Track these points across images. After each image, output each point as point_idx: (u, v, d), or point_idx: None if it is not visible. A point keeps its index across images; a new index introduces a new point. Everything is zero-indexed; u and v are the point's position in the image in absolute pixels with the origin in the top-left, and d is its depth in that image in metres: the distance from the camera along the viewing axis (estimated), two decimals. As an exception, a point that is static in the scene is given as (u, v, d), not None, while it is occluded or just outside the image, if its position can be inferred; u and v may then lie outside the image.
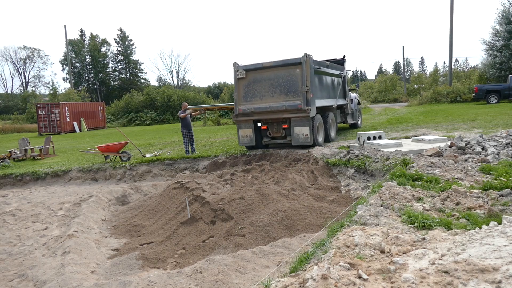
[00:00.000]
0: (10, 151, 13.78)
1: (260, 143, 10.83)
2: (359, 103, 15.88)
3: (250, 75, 10.51)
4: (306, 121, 9.80)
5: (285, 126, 10.23)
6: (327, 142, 10.99)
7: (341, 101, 13.08)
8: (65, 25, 45.16)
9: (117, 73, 67.92)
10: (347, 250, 2.96)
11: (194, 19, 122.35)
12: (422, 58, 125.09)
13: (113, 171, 10.65)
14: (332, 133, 11.54)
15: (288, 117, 9.99)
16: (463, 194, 4.34)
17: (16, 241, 6.40)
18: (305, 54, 9.84)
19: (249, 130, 10.59)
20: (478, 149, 6.72)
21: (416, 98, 35.01)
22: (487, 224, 3.02)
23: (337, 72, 12.79)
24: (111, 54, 67.31)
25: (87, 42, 66.85)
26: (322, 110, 11.31)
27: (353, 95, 15.09)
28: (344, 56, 14.07)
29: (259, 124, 10.67)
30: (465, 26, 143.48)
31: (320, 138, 10.57)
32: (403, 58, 66.19)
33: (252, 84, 10.50)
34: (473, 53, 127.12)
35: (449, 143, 7.73)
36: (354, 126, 15.06)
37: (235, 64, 10.69)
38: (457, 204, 4.10)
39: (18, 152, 14.07)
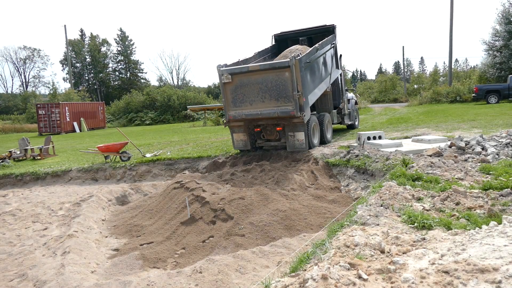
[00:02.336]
0: (10, 151, 13.77)
1: (254, 146, 10.57)
2: (356, 103, 15.69)
3: (237, 79, 9.73)
4: (300, 126, 9.46)
5: (279, 128, 9.90)
6: (323, 144, 10.76)
7: (335, 74, 12.52)
8: (65, 25, 45.22)
9: (117, 73, 67.97)
10: (347, 250, 2.96)
11: (194, 19, 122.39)
12: (422, 58, 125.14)
13: (113, 171, 10.65)
14: (328, 135, 11.23)
15: (282, 122, 9.65)
16: (463, 194, 4.34)
17: (16, 241, 6.41)
18: (293, 56, 9.09)
19: (243, 134, 10.24)
20: (478, 149, 6.72)
21: (416, 98, 35.02)
22: (487, 224, 3.03)
23: (328, 47, 11.98)
24: (111, 54, 67.40)
25: (87, 42, 66.89)
26: (316, 107, 10.79)
27: (350, 95, 14.87)
28: (333, 25, 13.05)
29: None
30: (465, 26, 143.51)
31: (316, 141, 10.29)
32: (403, 58, 66.24)
33: (240, 89, 9.76)
34: (473, 53, 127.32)
35: (449, 143, 7.73)
36: (351, 127, 14.87)
37: (219, 67, 9.87)
38: (457, 204, 4.10)
39: (18, 152, 14.07)
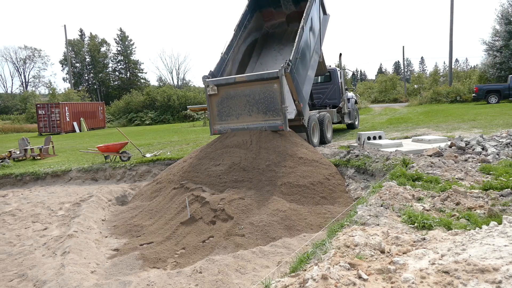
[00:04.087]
0: (10, 151, 13.77)
1: None
2: (356, 102, 15.67)
3: (223, 91, 9.23)
4: (301, 127, 9.48)
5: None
6: (323, 144, 10.73)
7: (324, 24, 11.68)
8: (65, 25, 45.26)
9: (117, 73, 67.97)
10: (347, 250, 2.96)
11: (194, 20, 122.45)
12: (422, 58, 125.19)
13: (113, 171, 10.65)
14: (328, 135, 11.17)
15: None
16: (463, 194, 4.34)
17: (16, 241, 6.40)
18: (283, 67, 8.33)
19: None
20: (478, 149, 6.72)
21: (416, 98, 35.05)
22: (487, 224, 3.02)
23: (312, 9, 10.70)
24: (111, 54, 67.41)
25: (86, 42, 66.88)
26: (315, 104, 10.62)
27: (350, 94, 14.89)
28: None
29: None
30: (465, 26, 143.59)
31: (316, 141, 10.24)
32: (403, 58, 66.17)
33: (226, 101, 9.23)
34: (473, 53, 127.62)
35: (449, 143, 7.73)
36: (351, 126, 14.86)
37: (204, 78, 9.35)
38: (457, 204, 4.10)
39: (18, 152, 14.07)
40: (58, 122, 31.19)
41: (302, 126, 9.41)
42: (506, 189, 4.29)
